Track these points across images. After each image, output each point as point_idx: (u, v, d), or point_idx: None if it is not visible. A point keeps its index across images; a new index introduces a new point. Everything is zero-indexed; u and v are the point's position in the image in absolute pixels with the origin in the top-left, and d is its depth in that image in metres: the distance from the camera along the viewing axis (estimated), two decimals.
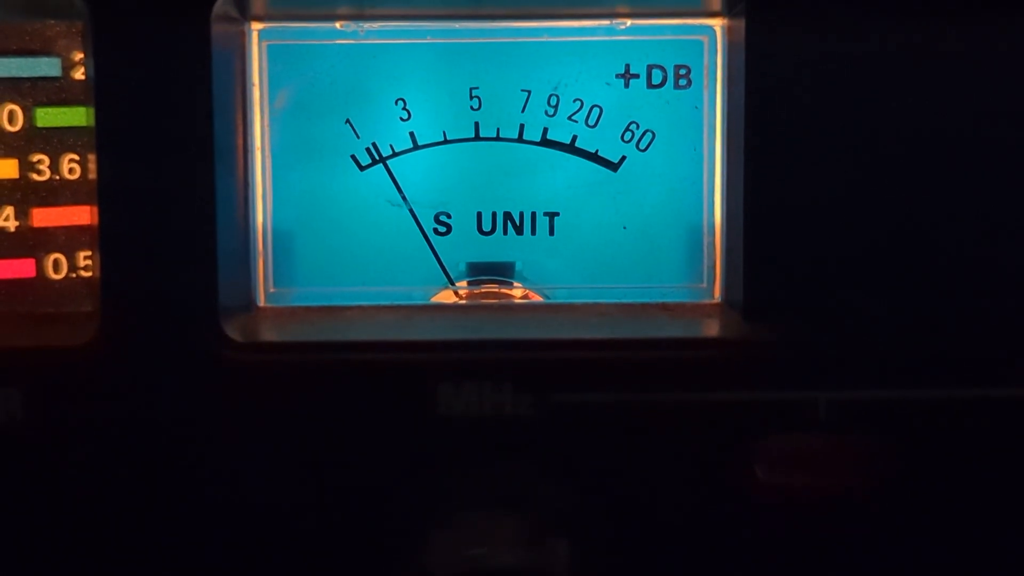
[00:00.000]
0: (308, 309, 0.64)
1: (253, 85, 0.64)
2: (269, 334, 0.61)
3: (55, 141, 0.63)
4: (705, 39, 0.64)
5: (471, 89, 0.65)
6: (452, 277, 0.66)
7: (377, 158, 0.65)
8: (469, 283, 0.66)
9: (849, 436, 0.58)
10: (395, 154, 0.65)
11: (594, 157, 0.65)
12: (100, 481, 0.58)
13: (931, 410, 0.58)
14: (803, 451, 0.58)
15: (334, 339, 0.60)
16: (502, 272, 0.66)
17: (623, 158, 0.65)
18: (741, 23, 0.58)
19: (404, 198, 0.65)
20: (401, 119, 0.65)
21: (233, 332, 0.59)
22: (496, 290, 0.66)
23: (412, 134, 0.65)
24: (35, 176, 0.63)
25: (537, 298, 0.66)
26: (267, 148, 0.64)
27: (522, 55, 0.65)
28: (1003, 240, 0.58)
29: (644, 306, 0.64)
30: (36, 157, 0.63)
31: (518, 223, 0.66)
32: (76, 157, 0.63)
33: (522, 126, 0.65)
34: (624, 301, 0.65)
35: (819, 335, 0.58)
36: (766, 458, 0.58)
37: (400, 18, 0.64)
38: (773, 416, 0.58)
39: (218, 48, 0.58)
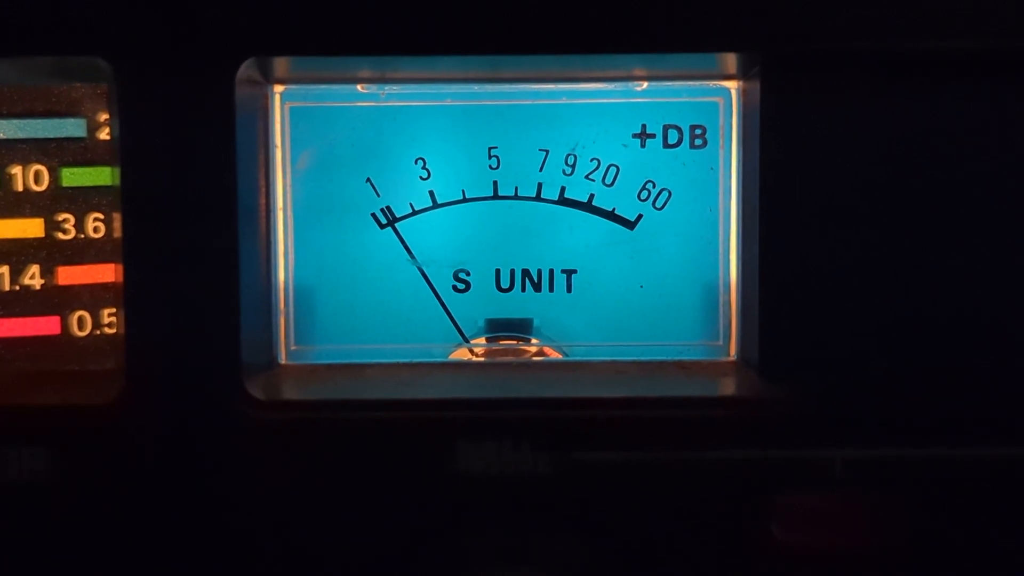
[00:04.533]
0: (329, 367, 0.65)
1: (276, 146, 0.65)
2: (291, 392, 0.62)
3: (80, 201, 0.64)
4: (720, 101, 0.65)
5: (490, 149, 0.66)
6: (469, 334, 0.67)
7: (386, 221, 0.66)
8: (487, 339, 0.67)
9: (865, 494, 0.58)
10: (415, 212, 0.66)
11: (611, 216, 0.66)
12: (124, 538, 0.59)
13: (947, 469, 0.58)
14: (819, 509, 0.58)
15: (355, 397, 0.60)
16: (521, 329, 0.67)
17: (640, 217, 0.66)
18: (756, 85, 0.59)
19: (412, 257, 0.66)
20: (421, 178, 0.66)
21: (255, 390, 0.59)
22: (513, 346, 0.67)
23: (432, 193, 0.66)
24: (60, 235, 0.63)
25: (554, 354, 0.67)
26: (289, 207, 0.65)
27: (540, 116, 0.65)
28: (1021, 300, 0.58)
29: (661, 364, 0.65)
30: (61, 216, 0.63)
31: (536, 280, 0.66)
32: (101, 216, 0.64)
33: (540, 185, 0.66)
34: (641, 359, 0.65)
35: (835, 393, 0.58)
36: (782, 516, 0.58)
37: (420, 81, 0.64)
38: (789, 474, 0.58)
39: (242, 110, 0.59)
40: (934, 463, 0.58)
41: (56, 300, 0.64)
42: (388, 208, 0.66)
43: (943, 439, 0.58)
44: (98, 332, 0.64)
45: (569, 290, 0.66)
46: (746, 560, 0.58)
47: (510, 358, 0.66)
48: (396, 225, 0.66)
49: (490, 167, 0.66)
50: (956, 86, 0.57)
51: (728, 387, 0.62)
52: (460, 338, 0.67)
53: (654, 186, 0.66)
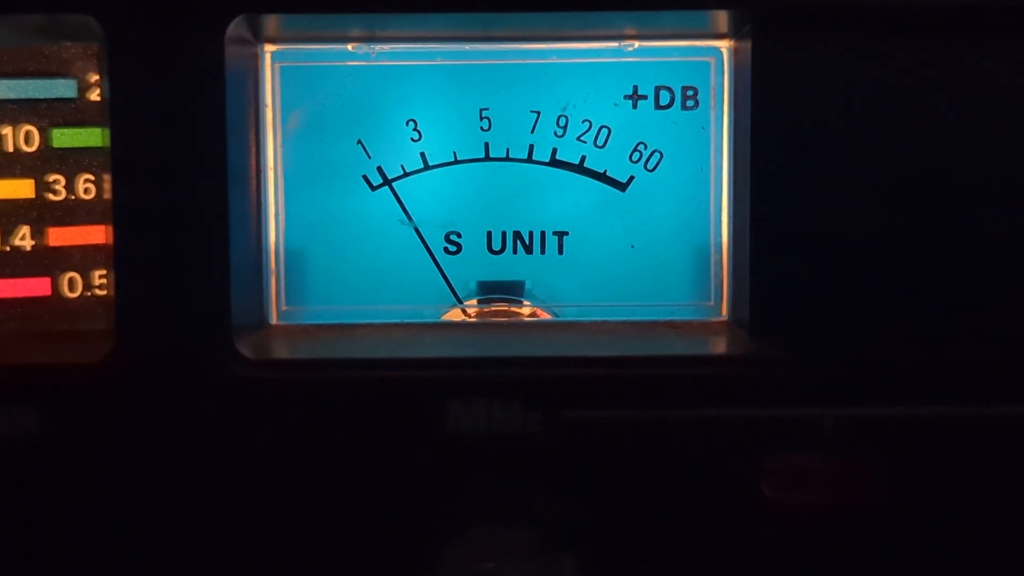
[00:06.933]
0: (319, 327, 0.65)
1: (266, 106, 0.65)
2: (281, 352, 0.62)
3: (71, 161, 0.64)
4: (712, 61, 0.65)
5: (481, 110, 0.66)
6: (462, 296, 0.67)
7: (382, 181, 0.66)
8: (479, 301, 0.67)
9: (854, 453, 0.58)
10: (406, 174, 0.66)
11: (602, 177, 0.66)
12: (114, 496, 0.59)
13: (936, 427, 0.58)
14: (809, 468, 0.58)
15: (345, 356, 0.60)
16: (512, 290, 0.67)
17: (631, 178, 0.66)
18: (747, 45, 0.59)
19: (410, 218, 0.66)
20: (412, 140, 0.66)
21: (245, 350, 0.59)
22: (504, 308, 0.67)
23: (423, 154, 0.66)
24: (51, 196, 0.63)
25: (546, 316, 0.67)
26: (279, 168, 0.65)
27: (531, 76, 0.65)
28: (1010, 261, 0.58)
29: (652, 324, 0.65)
30: (52, 177, 0.63)
31: (528, 242, 0.66)
32: (91, 177, 0.64)
33: (531, 146, 0.66)
34: (632, 319, 0.65)
35: (825, 353, 0.59)
36: (772, 475, 0.58)
37: (411, 40, 0.64)
38: (779, 433, 0.58)
39: (232, 70, 0.58)
40: (923, 422, 0.58)
41: (47, 261, 0.64)
42: (379, 169, 0.66)
43: (933, 398, 0.58)
44: (89, 293, 0.64)
45: (561, 252, 0.66)
46: (736, 518, 0.59)
47: (502, 319, 0.66)
48: (387, 187, 0.66)
49: (481, 128, 0.66)
50: (948, 41, 0.57)
51: (719, 346, 0.62)
52: (453, 299, 0.67)
53: (646, 147, 0.65)
